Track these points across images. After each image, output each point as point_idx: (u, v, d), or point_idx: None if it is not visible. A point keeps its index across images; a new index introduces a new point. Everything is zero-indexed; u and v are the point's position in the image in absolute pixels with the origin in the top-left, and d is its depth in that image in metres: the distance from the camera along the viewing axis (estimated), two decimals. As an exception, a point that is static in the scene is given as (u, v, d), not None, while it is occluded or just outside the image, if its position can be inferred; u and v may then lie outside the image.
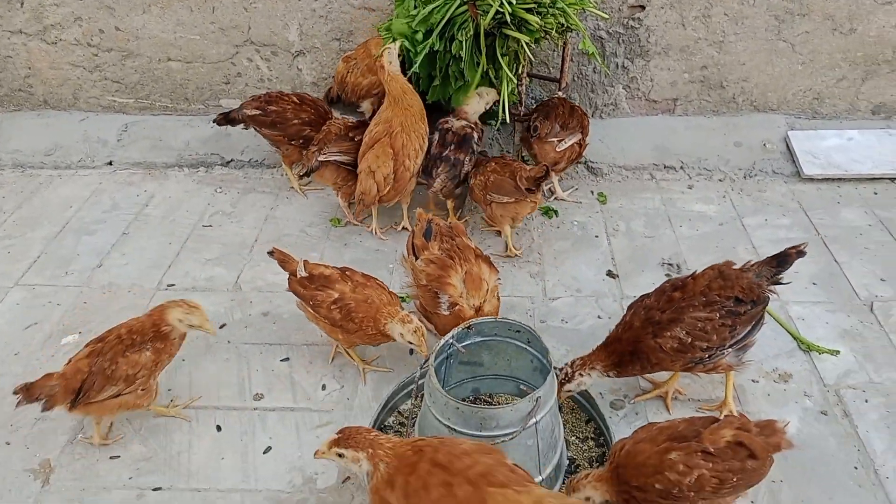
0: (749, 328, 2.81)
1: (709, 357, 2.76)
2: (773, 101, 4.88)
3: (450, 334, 2.68)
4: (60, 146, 5.02)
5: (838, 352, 3.30)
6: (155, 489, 2.80)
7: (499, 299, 3.14)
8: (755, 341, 2.89)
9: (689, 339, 2.69)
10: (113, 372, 2.72)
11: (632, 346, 2.77)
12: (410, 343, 2.94)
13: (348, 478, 2.81)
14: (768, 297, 2.83)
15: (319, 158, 4.04)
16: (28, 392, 2.67)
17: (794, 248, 2.87)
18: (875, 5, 4.49)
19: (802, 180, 4.54)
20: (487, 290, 3.06)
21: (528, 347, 2.78)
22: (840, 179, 4.51)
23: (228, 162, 4.88)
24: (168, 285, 3.87)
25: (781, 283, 2.92)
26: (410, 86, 3.93)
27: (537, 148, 4.16)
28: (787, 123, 4.87)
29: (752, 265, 2.88)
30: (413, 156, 3.86)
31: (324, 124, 4.26)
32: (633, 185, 4.61)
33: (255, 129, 4.38)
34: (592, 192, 4.56)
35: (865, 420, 2.98)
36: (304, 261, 3.19)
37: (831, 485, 2.74)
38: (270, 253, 3.26)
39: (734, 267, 2.87)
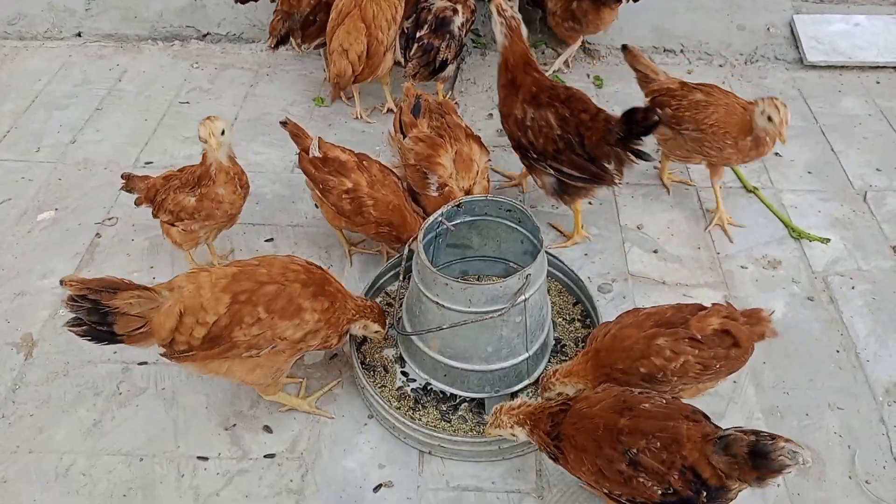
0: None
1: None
2: (781, -18, 4.64)
3: (439, 212, 2.60)
4: (24, 15, 4.69)
5: (829, 240, 3.28)
6: (141, 363, 2.79)
7: (489, 181, 3.05)
8: None
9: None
10: (162, 202, 2.86)
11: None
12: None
13: (336, 355, 2.81)
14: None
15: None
16: (129, 182, 2.99)
17: (641, 108, 2.73)
18: None
19: (805, 67, 4.38)
20: (478, 171, 2.96)
21: (518, 227, 2.72)
22: (843, 67, 4.36)
23: (205, 35, 4.62)
24: (146, 163, 3.72)
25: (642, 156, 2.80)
26: None
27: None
28: (794, 6, 4.64)
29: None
30: (385, 27, 3.55)
31: None
32: (631, 70, 4.42)
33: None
34: (589, 76, 4.38)
35: (850, 306, 3.00)
36: (319, 138, 2.99)
37: (813, 367, 2.78)
38: (283, 123, 3.04)
39: None
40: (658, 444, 1.95)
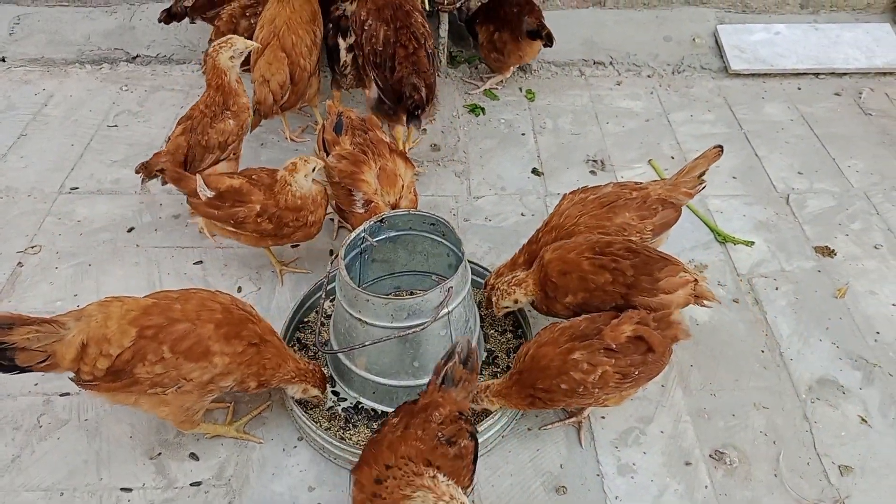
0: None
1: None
2: (704, -6, 4.78)
3: (361, 227, 2.59)
4: (-55, 40, 4.57)
5: (753, 242, 3.37)
6: (63, 394, 2.70)
7: (416, 195, 3.05)
8: None
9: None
10: (207, 141, 3.06)
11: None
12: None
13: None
14: None
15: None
16: (146, 168, 3.10)
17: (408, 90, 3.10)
18: None
19: (729, 76, 4.51)
20: (403, 185, 2.95)
21: (443, 240, 2.72)
22: (766, 74, 4.50)
23: (134, 58, 4.55)
24: (71, 188, 3.63)
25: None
26: None
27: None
28: (717, 17, 4.79)
29: None
30: (307, 53, 3.50)
31: None
32: (562, 82, 4.50)
33: (201, 19, 4.03)
34: (521, 89, 4.43)
35: (774, 306, 3.08)
36: (199, 176, 2.84)
37: (738, 367, 2.84)
38: (152, 172, 3.08)
39: None
40: None
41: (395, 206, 2.88)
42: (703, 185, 2.87)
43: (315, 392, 2.46)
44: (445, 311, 2.30)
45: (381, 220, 2.64)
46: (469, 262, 2.71)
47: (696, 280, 2.53)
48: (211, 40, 3.88)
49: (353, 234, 2.56)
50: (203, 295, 2.32)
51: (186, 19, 4.01)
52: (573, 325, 2.32)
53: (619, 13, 4.81)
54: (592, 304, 2.51)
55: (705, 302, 2.56)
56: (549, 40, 4.07)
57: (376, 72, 3.35)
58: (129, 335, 2.12)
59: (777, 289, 3.16)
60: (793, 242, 3.39)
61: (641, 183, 2.91)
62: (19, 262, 3.22)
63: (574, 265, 2.52)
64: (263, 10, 3.57)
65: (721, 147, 2.85)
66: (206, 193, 2.81)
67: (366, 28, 3.35)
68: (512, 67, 4.33)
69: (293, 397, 2.50)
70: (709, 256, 3.31)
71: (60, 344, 2.09)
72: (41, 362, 2.08)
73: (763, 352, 2.90)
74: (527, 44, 4.11)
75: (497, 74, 4.39)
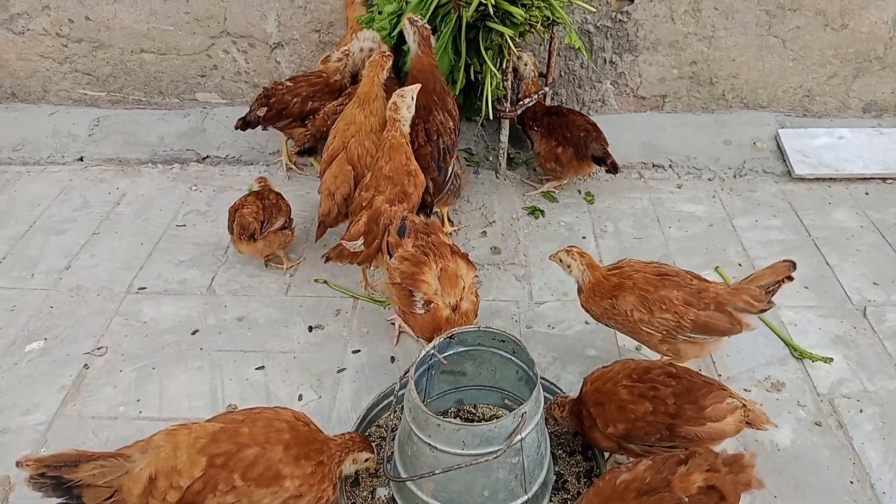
0: None
1: None
2: (764, 99, 4.79)
3: (431, 345, 2.55)
4: (29, 141, 4.82)
5: (831, 359, 3.21)
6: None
7: (477, 297, 3.01)
8: None
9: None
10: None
11: None
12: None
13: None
14: None
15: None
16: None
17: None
18: (867, 0, 4.40)
19: (793, 180, 4.45)
20: (464, 287, 2.92)
21: (512, 357, 2.66)
22: (831, 179, 4.42)
23: (204, 158, 4.72)
24: (139, 288, 3.71)
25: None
26: (383, 94, 3.63)
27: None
28: (778, 121, 4.78)
29: None
30: (371, 164, 3.54)
31: (327, 91, 4.09)
32: (621, 185, 4.50)
33: (273, 126, 4.23)
34: (580, 192, 4.44)
35: (860, 431, 2.90)
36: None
37: (826, 499, 2.65)
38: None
39: None
40: None
41: (455, 307, 2.84)
42: (769, 305, 2.77)
43: (365, 455, 2.39)
44: (519, 437, 2.22)
45: (450, 337, 2.60)
46: (541, 378, 2.63)
47: (744, 405, 2.43)
48: (305, 130, 4.02)
49: (423, 352, 2.52)
50: (268, 415, 2.29)
51: (259, 126, 4.18)
52: (637, 478, 2.16)
53: (677, 117, 4.84)
54: (636, 435, 2.44)
55: (763, 426, 2.45)
56: (613, 169, 4.08)
57: None
58: (199, 465, 2.08)
59: (861, 411, 2.99)
60: (874, 360, 3.23)
61: (709, 280, 2.88)
62: (85, 365, 3.25)
63: (610, 395, 2.48)
64: (342, 115, 3.67)
65: (793, 263, 2.77)
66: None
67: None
68: (569, 177, 4.36)
69: (348, 476, 2.42)
70: (785, 374, 3.16)
71: (127, 478, 2.07)
72: (108, 498, 2.05)
73: (852, 483, 2.71)
74: (588, 165, 4.17)
75: (550, 182, 4.41)
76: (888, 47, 4.55)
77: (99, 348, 3.35)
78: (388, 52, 3.68)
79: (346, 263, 3.41)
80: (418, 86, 3.37)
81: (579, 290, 2.97)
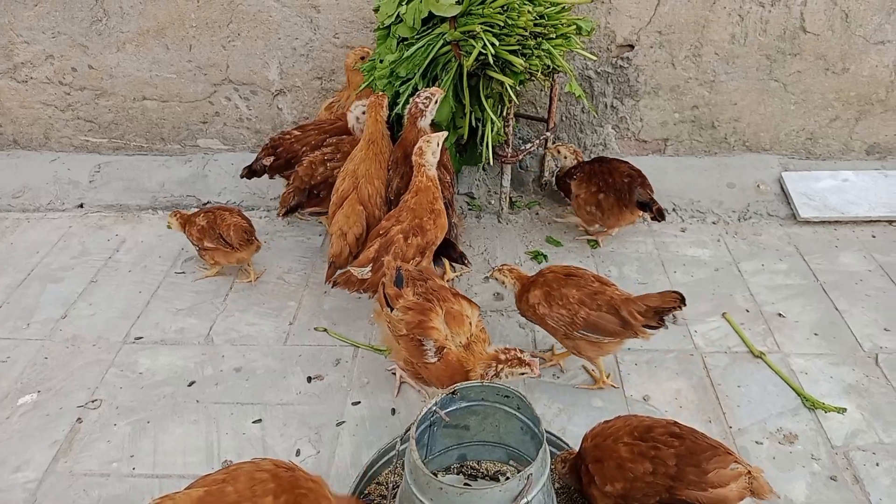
0: None
1: None
2: (766, 142, 4.77)
3: (433, 401, 2.48)
4: (29, 188, 4.81)
5: (844, 409, 3.12)
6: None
7: (486, 333, 2.94)
8: None
9: None
10: None
11: None
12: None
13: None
14: None
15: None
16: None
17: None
18: (867, 45, 4.41)
19: (798, 223, 4.41)
20: (472, 324, 2.86)
21: (517, 413, 2.58)
22: (837, 222, 4.38)
23: (205, 204, 4.69)
24: (136, 338, 3.64)
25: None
26: (387, 132, 3.72)
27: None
28: (781, 164, 4.75)
29: None
30: (380, 203, 3.63)
31: (335, 131, 4.09)
32: (625, 229, 4.45)
33: (280, 175, 4.20)
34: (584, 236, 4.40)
35: (878, 486, 2.79)
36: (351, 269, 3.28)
37: (845, 560, 2.54)
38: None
39: None
40: None
41: (467, 346, 2.76)
42: (658, 324, 2.98)
43: None
44: (524, 501, 2.13)
45: (453, 393, 2.53)
46: (547, 432, 2.55)
47: (749, 472, 2.34)
48: (288, 185, 3.99)
49: (426, 409, 2.44)
50: (248, 468, 2.22)
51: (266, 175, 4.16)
52: None
53: (680, 160, 4.82)
54: (634, 496, 2.37)
55: (766, 496, 2.33)
56: (659, 216, 3.96)
57: None
58: None
59: (878, 465, 2.89)
60: (888, 409, 3.14)
61: (610, 285, 3.11)
62: (79, 418, 3.17)
63: (610, 452, 2.42)
64: (349, 157, 3.68)
65: (681, 295, 2.98)
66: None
67: (388, 177, 3.68)
68: (611, 230, 4.26)
69: None
70: (798, 425, 3.07)
71: None
72: None
73: (871, 541, 2.61)
74: (631, 212, 4.03)
75: (594, 236, 4.33)
76: (890, 90, 4.55)
77: (93, 401, 3.27)
78: (381, 92, 3.71)
79: (353, 292, 3.38)
80: (444, 133, 3.42)
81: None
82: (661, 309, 2.97)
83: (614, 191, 4.00)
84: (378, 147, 3.63)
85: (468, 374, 2.72)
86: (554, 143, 4.42)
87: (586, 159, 4.34)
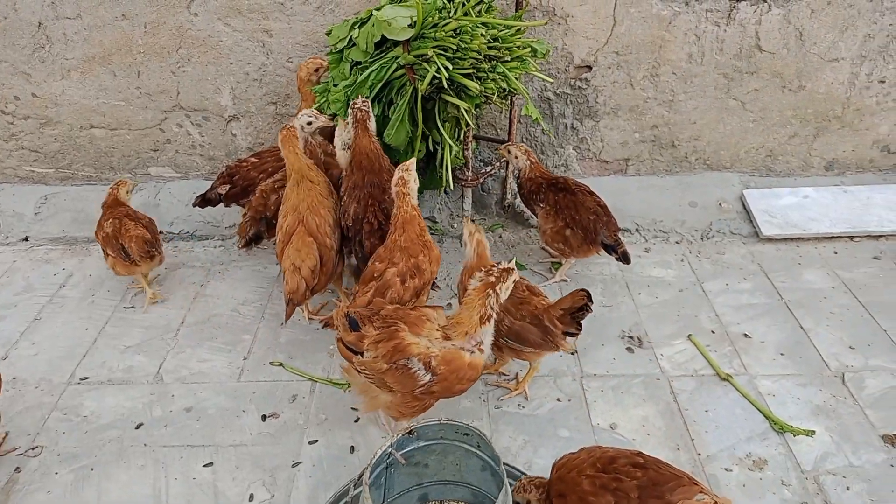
0: None
1: None
2: (727, 160, 4.77)
3: (388, 443, 2.35)
4: (-29, 221, 4.61)
5: (813, 432, 3.07)
6: None
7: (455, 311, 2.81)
8: None
9: None
10: None
11: None
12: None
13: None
14: None
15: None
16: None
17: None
18: (822, 62, 4.44)
19: (761, 241, 4.39)
20: (436, 317, 2.75)
21: (477, 451, 2.47)
22: (799, 239, 4.37)
23: (159, 233, 4.52)
24: (81, 378, 3.46)
25: None
26: (310, 161, 3.56)
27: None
28: (742, 182, 4.75)
29: None
30: (330, 232, 3.48)
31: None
32: (589, 250, 4.39)
33: (236, 204, 4.06)
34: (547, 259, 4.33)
35: (849, 512, 2.74)
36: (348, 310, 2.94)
37: (819, 592, 2.47)
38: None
39: None
40: None
41: (446, 335, 2.63)
42: (577, 329, 3.01)
43: None
44: (485, 546, 2.01)
45: (409, 432, 2.41)
46: (505, 464, 2.44)
47: (716, 502, 2.25)
48: (244, 215, 3.87)
49: (380, 451, 2.32)
50: None
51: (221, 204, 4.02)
52: None
53: (641, 179, 4.79)
54: None
55: None
56: (624, 259, 3.84)
57: (351, 244, 3.52)
58: None
59: (848, 488, 2.83)
60: (857, 430, 3.09)
61: (538, 295, 3.12)
62: (17, 467, 2.98)
63: (573, 485, 2.35)
64: (284, 197, 3.53)
65: (588, 293, 2.97)
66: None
67: (342, 204, 3.56)
68: (577, 258, 4.11)
69: None
70: (767, 450, 3.00)
71: None
72: None
73: (845, 570, 2.54)
74: (596, 249, 3.91)
75: (562, 268, 4.16)
76: (846, 107, 4.58)
77: (33, 448, 3.08)
78: (289, 125, 3.54)
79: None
80: (413, 159, 3.31)
81: None
82: (573, 309, 2.99)
83: (581, 228, 3.86)
84: (310, 178, 3.48)
85: (477, 348, 2.64)
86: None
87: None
